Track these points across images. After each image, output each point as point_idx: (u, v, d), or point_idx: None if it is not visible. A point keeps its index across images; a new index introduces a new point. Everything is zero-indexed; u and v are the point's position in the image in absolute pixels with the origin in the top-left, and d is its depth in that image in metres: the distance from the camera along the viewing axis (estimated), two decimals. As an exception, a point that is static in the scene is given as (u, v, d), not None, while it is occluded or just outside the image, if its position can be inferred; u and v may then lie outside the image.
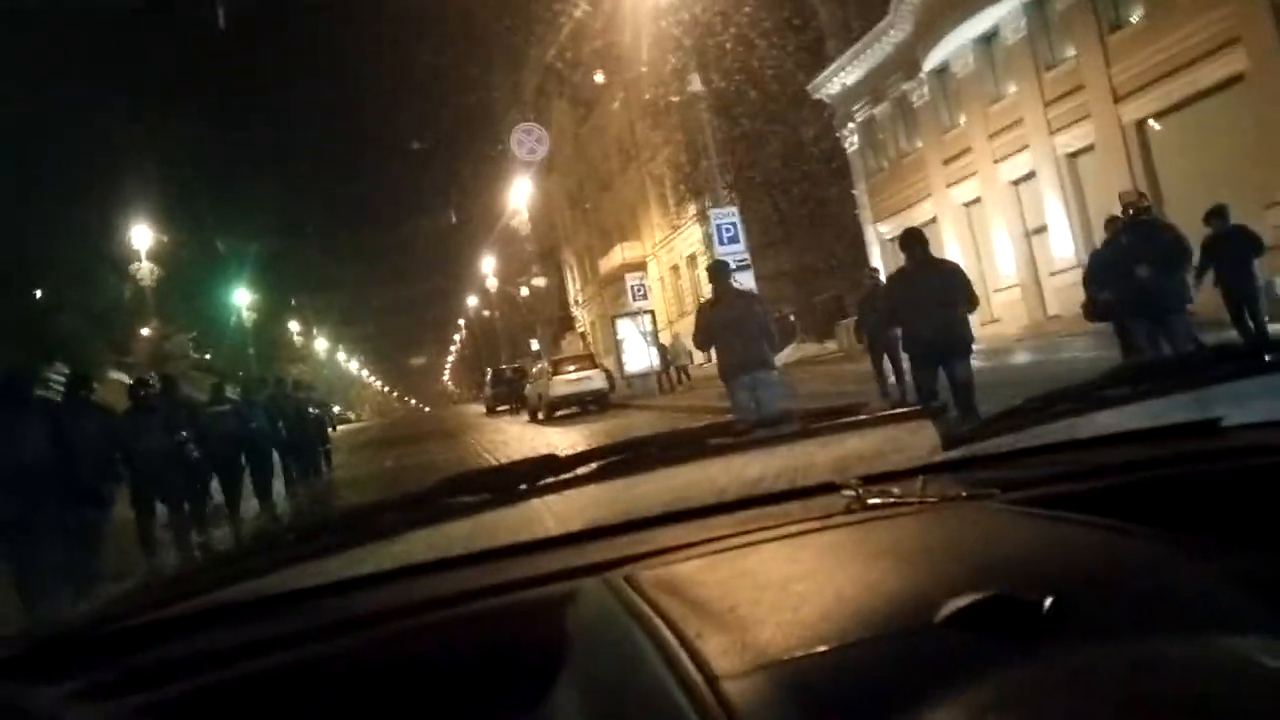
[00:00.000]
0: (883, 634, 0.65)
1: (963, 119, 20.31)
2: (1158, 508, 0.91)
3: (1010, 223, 19.27)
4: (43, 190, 30.07)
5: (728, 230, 14.02)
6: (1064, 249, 17.71)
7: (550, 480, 1.11)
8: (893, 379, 10.76)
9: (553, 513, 1.16)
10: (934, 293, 6.52)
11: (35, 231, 30.01)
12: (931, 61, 20.34)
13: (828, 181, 26.00)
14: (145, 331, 33.93)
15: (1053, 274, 18.23)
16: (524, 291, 58.36)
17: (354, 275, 76.96)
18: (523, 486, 1.10)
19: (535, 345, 57.74)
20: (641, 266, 39.45)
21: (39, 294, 34.89)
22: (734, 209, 14.38)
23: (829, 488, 1.09)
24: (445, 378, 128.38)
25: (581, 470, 1.13)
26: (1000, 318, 19.69)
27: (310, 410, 15.86)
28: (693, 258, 34.86)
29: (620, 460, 1.17)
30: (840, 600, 0.72)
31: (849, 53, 22.87)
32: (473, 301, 70.70)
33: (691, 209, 33.16)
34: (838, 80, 23.87)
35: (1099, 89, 16.49)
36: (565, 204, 50.75)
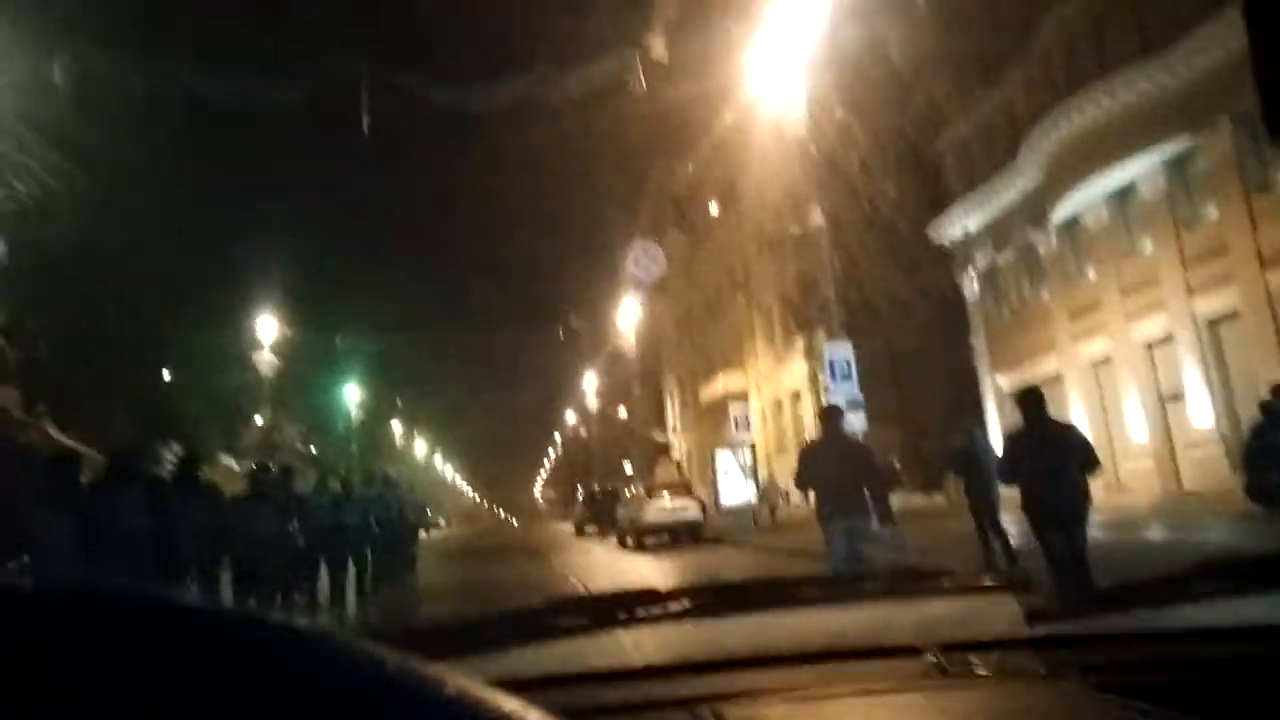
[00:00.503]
0: None
1: (1092, 273, 19.55)
2: (1229, 709, 0.90)
3: (1143, 387, 18.17)
4: (176, 275, 31.89)
5: (841, 367, 13.52)
6: (1202, 419, 16.51)
7: (645, 613, 1.16)
8: (997, 543, 10.16)
9: (644, 644, 1.17)
10: (1054, 454, 6.50)
11: (166, 315, 31.73)
12: (1061, 213, 19.79)
13: (944, 328, 25.31)
14: (258, 420, 35.10)
15: (1189, 446, 16.97)
16: (622, 413, 58.61)
17: (458, 382, 78.95)
18: (621, 615, 1.15)
19: (629, 468, 57.57)
20: (743, 397, 38.94)
21: (166, 376, 36.71)
22: (848, 344, 13.89)
23: (909, 650, 1.09)
24: (535, 491, 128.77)
25: (675, 606, 1.18)
26: (1130, 487, 18.34)
27: (405, 512, 15.62)
28: (796, 394, 34.26)
29: (713, 601, 1.22)
30: None
31: (971, 196, 22.55)
32: (571, 419, 71.28)
33: (799, 343, 32.88)
34: (959, 224, 23.50)
35: (1243, 252, 15.63)
36: (671, 330, 51.14)
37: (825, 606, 1.27)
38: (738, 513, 21.00)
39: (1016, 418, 7.18)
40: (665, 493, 20.66)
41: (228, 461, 32.23)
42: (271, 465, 11.76)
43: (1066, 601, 1.34)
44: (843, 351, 13.69)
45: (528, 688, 1.01)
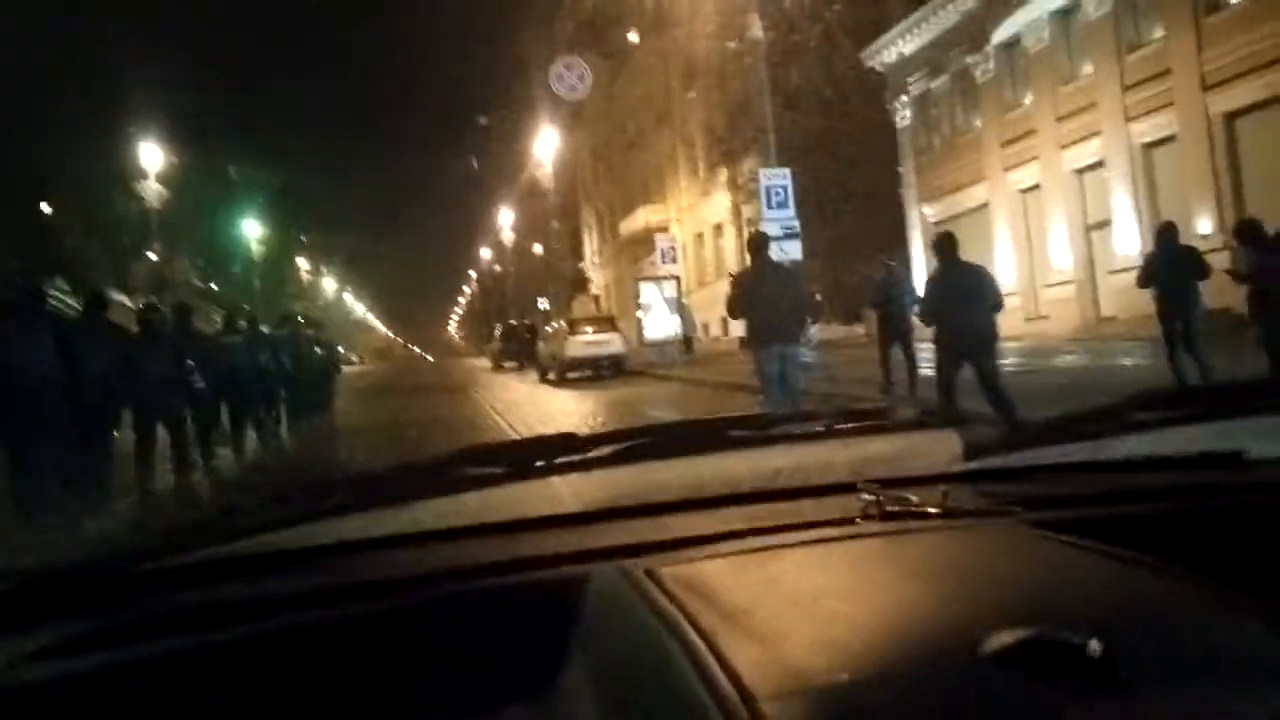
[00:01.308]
0: (924, 664, 0.63)
1: (1029, 98, 18.99)
2: (1179, 539, 0.90)
3: (1070, 214, 18.03)
4: (54, 101, 28.84)
5: (777, 194, 12.80)
6: (1128, 246, 16.46)
7: (568, 459, 1.12)
8: (904, 374, 10.43)
9: (568, 492, 1.13)
10: (964, 293, 6.95)
11: (44, 143, 28.86)
12: (1002, 34, 19.02)
13: (871, 156, 24.65)
14: (151, 256, 32.87)
15: (1111, 272, 17.00)
16: (537, 248, 57.13)
17: (366, 214, 75.73)
18: (540, 463, 1.11)
19: (544, 304, 56.69)
20: (664, 230, 38.17)
21: (46, 209, 33.83)
22: (786, 171, 13.12)
23: (847, 488, 1.07)
24: (450, 328, 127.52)
25: (600, 452, 1.14)
26: (1049, 315, 18.52)
27: (318, 350, 15.56)
28: (718, 227, 33.62)
29: (640, 445, 1.17)
30: (874, 620, 0.71)
31: (910, 19, 21.46)
32: (486, 254, 69.50)
33: (722, 175, 31.93)
34: (894, 49, 22.47)
35: (1187, 76, 15.20)
36: (589, 161, 49.36)
37: (759, 448, 1.23)
38: (663, 346, 20.59)
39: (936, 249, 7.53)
40: (588, 327, 20.06)
41: (119, 298, 30.30)
42: (160, 304, 11.36)
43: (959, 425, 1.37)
44: (779, 178, 12.94)
45: (435, 540, 1.01)
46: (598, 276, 48.99)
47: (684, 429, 1.36)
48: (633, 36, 42.71)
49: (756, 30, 13.33)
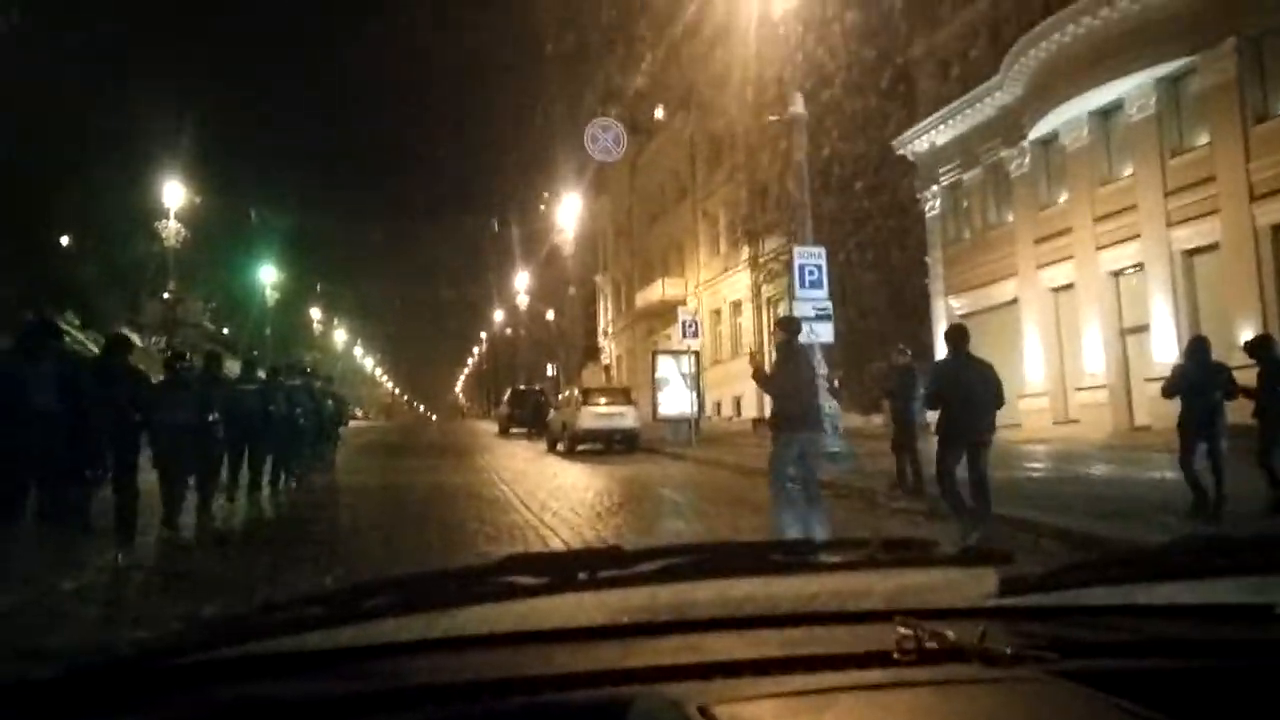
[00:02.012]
0: None
1: (1064, 196, 18.70)
2: (1206, 694, 0.93)
3: (1105, 317, 17.55)
4: (79, 138, 28.97)
5: (811, 273, 12.35)
6: (1165, 353, 15.91)
7: (611, 574, 1.14)
8: (910, 467, 10.06)
9: (610, 605, 1.11)
10: (971, 387, 7.08)
11: (66, 178, 28.90)
12: (1039, 130, 18.80)
13: (898, 245, 24.39)
14: (166, 295, 32.64)
15: (1148, 380, 16.40)
16: (549, 315, 56.97)
17: (383, 270, 75.88)
18: (582, 576, 1.13)
19: (551, 371, 56.27)
20: (683, 303, 37.90)
21: (64, 241, 33.77)
22: (820, 250, 12.70)
23: (883, 616, 1.08)
24: (458, 390, 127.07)
25: (643, 567, 1.16)
26: (1080, 419, 17.91)
27: (328, 403, 15.56)
28: (738, 304, 33.31)
29: (683, 563, 1.19)
30: None
31: (946, 109, 21.36)
32: (499, 317, 69.38)
33: (744, 253, 31.73)
34: (926, 138, 22.35)
35: (1233, 184, 14.87)
36: (610, 231, 49.43)
37: (798, 574, 1.26)
38: (677, 423, 19.99)
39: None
40: (602, 398, 19.50)
41: (131, 335, 30.00)
42: (185, 349, 11.82)
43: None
44: (813, 257, 12.51)
45: (481, 645, 1.02)
46: (610, 346, 48.65)
47: (726, 549, 1.43)
48: (659, 112, 43.24)
49: (799, 106, 13.02)
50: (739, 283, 32.94)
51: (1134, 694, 0.88)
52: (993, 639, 1.01)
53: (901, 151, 23.26)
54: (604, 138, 21.82)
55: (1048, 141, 19.05)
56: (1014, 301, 19.92)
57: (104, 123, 28.73)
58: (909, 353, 11.57)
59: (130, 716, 0.84)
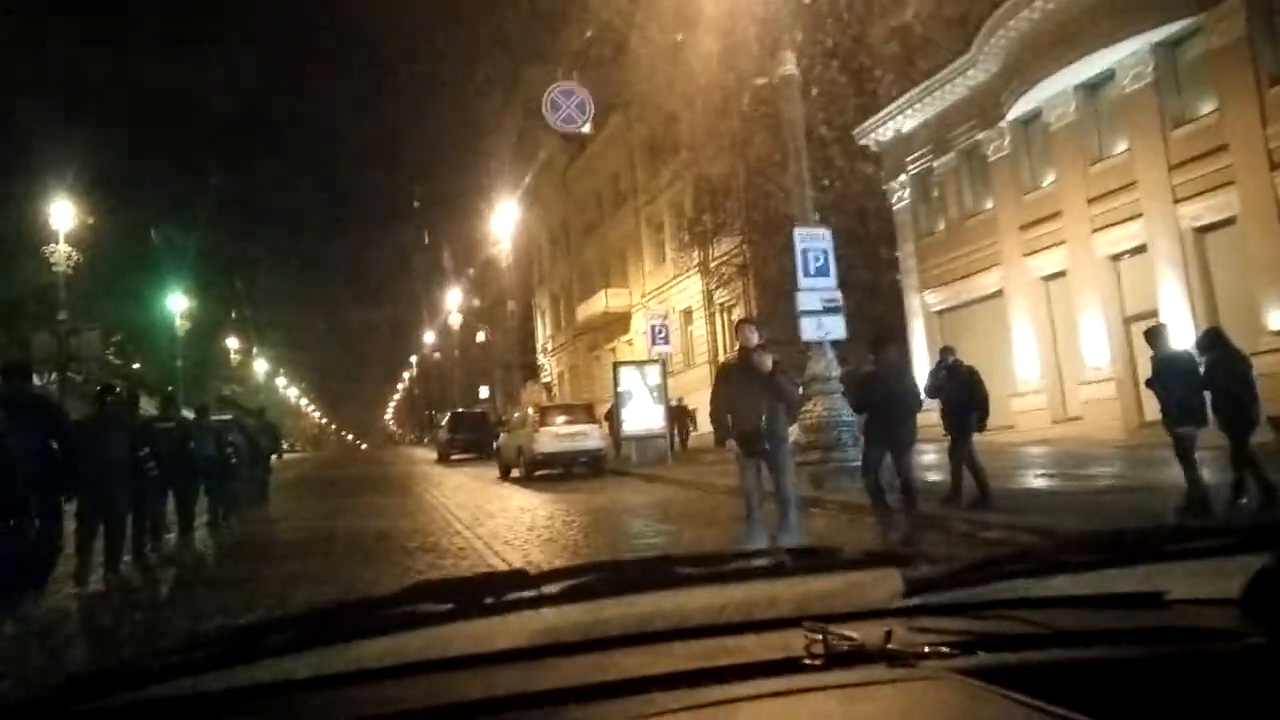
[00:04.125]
0: None
1: (1051, 178, 17.41)
2: (1103, 683, 0.97)
3: (1106, 305, 16.24)
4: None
5: (816, 258, 10.59)
6: (1178, 340, 14.58)
7: (518, 596, 1.13)
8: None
9: (516, 628, 1.09)
10: (896, 392, 7.57)
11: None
12: (1019, 109, 17.50)
13: (863, 240, 22.92)
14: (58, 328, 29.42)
15: (1159, 369, 15.13)
16: (479, 337, 54.54)
17: (304, 293, 72.30)
18: (489, 600, 1.12)
19: (484, 393, 53.82)
20: (626, 318, 36.09)
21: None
22: (825, 230, 10.97)
23: (791, 624, 1.10)
24: (388, 417, 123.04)
25: (550, 588, 1.15)
26: (1082, 416, 16.53)
27: (259, 439, 15.00)
28: (688, 312, 31.57)
29: (591, 581, 1.19)
30: None
31: (911, 93, 19.98)
32: (430, 339, 66.57)
33: (695, 257, 30.02)
34: (891, 125, 20.95)
35: (1249, 153, 13.65)
36: (545, 244, 47.40)
37: (707, 585, 1.25)
38: (645, 441, 18.07)
39: (947, 340, 8.35)
40: (561, 416, 17.49)
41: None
42: (118, 386, 11.43)
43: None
44: (818, 239, 10.76)
45: (383, 677, 1.00)
46: (550, 364, 46.53)
47: (633, 566, 1.40)
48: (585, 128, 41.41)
49: (790, 65, 11.27)
50: (689, 289, 31.24)
51: (1033, 687, 0.91)
52: (898, 639, 1.04)
53: (864, 141, 21.83)
54: (566, 105, 19.71)
55: (1029, 120, 17.78)
56: (999, 293, 18.57)
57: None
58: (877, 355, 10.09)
59: None
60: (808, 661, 1.00)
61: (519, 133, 48.77)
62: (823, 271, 10.63)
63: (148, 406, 13.11)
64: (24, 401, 6.35)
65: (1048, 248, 17.34)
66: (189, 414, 12.68)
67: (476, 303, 53.75)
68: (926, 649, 1.03)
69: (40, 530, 6.05)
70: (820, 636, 1.03)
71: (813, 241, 10.71)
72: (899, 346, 8.87)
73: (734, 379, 6.98)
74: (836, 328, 10.61)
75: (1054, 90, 16.72)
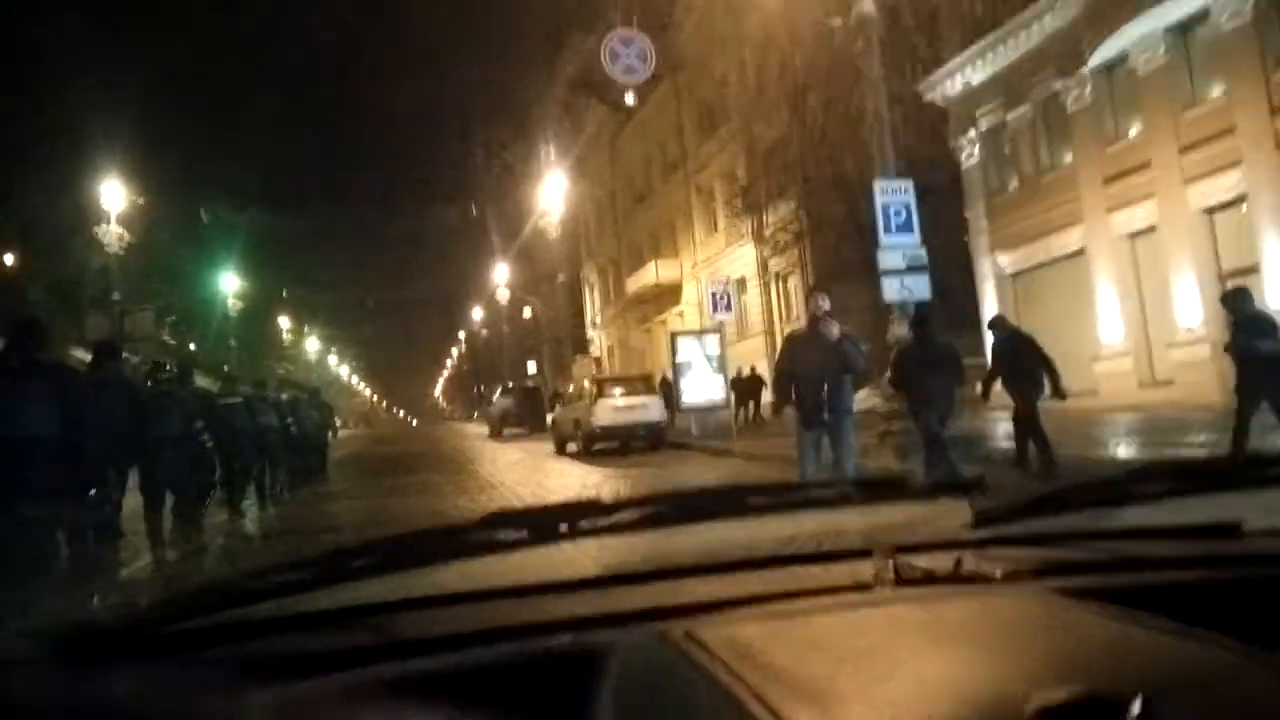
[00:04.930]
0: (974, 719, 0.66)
1: (1137, 128, 16.29)
2: (1181, 607, 0.93)
3: (1200, 262, 15.16)
4: (6, 142, 25.91)
5: (898, 212, 9.82)
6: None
7: (591, 524, 1.14)
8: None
9: (589, 557, 1.14)
10: (934, 365, 7.84)
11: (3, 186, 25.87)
12: (1101, 55, 16.38)
13: (929, 201, 21.85)
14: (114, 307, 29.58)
15: (1261, 329, 14.06)
16: (526, 312, 54.14)
17: (353, 270, 72.55)
18: (563, 528, 1.12)
19: (533, 368, 53.48)
20: (677, 289, 35.38)
21: (8, 259, 30.70)
22: (908, 183, 10.18)
23: (861, 554, 1.11)
24: (437, 393, 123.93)
25: (622, 517, 1.16)
26: (1173, 380, 15.50)
27: (314, 414, 15.53)
28: (741, 281, 30.73)
29: (661, 510, 1.20)
30: (919, 680, 0.73)
31: (980, 43, 18.87)
32: (478, 314, 66.46)
33: (748, 225, 29.15)
34: (959, 78, 19.85)
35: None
36: (592, 215, 46.76)
37: (776, 514, 1.27)
38: (705, 412, 17.41)
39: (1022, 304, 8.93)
40: (619, 389, 16.90)
41: (79, 354, 27.01)
42: (168, 362, 11.58)
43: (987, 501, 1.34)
44: (899, 192, 9.98)
45: (465, 601, 1.03)
46: (599, 337, 46.03)
47: (703, 495, 1.34)
48: (629, 98, 40.41)
49: (868, 3, 10.45)
50: (743, 258, 30.41)
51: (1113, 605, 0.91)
52: (969, 566, 1.03)
53: (930, 97, 20.75)
54: (626, 54, 18.82)
55: (1113, 66, 16.64)
56: (1079, 252, 17.51)
57: (31, 122, 25.65)
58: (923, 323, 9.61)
59: (116, 685, 0.82)
60: (878, 586, 1.00)
61: (563, 105, 48.09)
62: (905, 227, 9.85)
63: (207, 384, 13.45)
64: (110, 381, 6.78)
65: (1134, 202, 16.25)
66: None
67: (524, 277, 53.36)
68: (999, 574, 1.03)
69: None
70: (890, 562, 1.03)
71: (894, 195, 9.92)
72: (939, 321, 8.68)
73: (800, 347, 7.04)
74: (921, 288, 9.85)
75: (1141, 33, 15.59)
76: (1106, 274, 16.95)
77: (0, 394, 5.07)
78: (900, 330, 9.73)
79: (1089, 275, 17.25)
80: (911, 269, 9.77)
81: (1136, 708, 0.61)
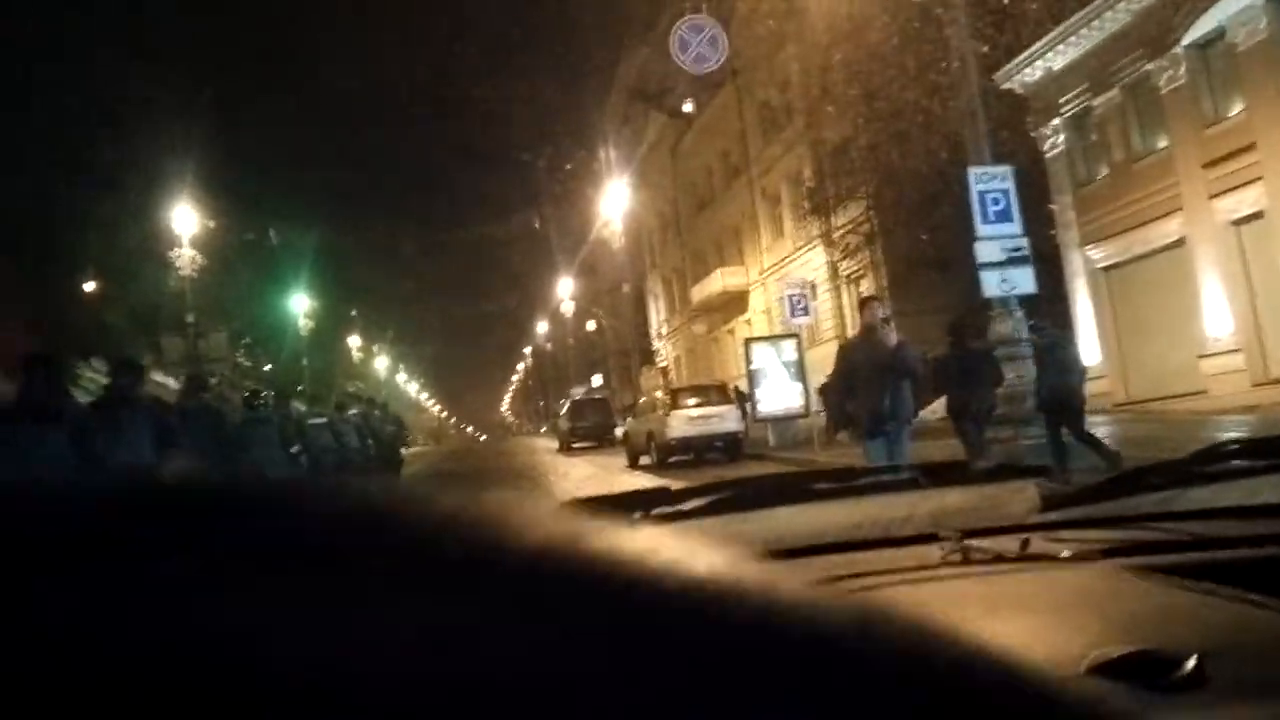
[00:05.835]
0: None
1: (1239, 107, 15.25)
2: (1254, 584, 0.92)
3: (1318, 245, 14.07)
4: (85, 171, 26.54)
5: (995, 200, 9.13)
6: None
7: (660, 511, 1.18)
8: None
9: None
10: (973, 372, 7.86)
11: (70, 215, 26.50)
12: (1197, 31, 15.40)
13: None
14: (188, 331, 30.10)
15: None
16: (590, 325, 53.99)
17: (419, 289, 73.20)
18: (636, 514, 1.16)
19: (597, 380, 53.27)
20: (743, 296, 34.75)
21: (87, 287, 31.50)
22: (1006, 170, 9.48)
23: (928, 538, 1.10)
24: (504, 408, 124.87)
25: (688, 504, 1.20)
26: (1285, 376, 14.41)
27: (389, 429, 16.30)
28: (811, 286, 29.92)
29: (727, 497, 1.23)
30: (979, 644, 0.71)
31: (1062, 27, 17.95)
32: (543, 328, 66.62)
33: (815, 228, 28.41)
34: (1040, 64, 18.93)
35: None
36: (655, 226, 46.43)
37: (841, 500, 1.27)
38: (784, 422, 16.77)
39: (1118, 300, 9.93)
40: (694, 399, 16.36)
41: (160, 378, 27.49)
42: (264, 389, 12.43)
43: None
44: (997, 179, 9.28)
45: None
46: (665, 348, 45.59)
47: (770, 482, 1.46)
48: (687, 106, 39.92)
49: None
50: (811, 263, 29.69)
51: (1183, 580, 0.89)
52: (1036, 548, 1.02)
53: (1007, 85, 19.84)
54: (696, 42, 18.26)
55: (1209, 43, 15.64)
56: (1179, 242, 16.47)
57: (105, 150, 26.23)
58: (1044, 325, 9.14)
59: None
60: (945, 568, 0.99)
61: (623, 115, 47.89)
62: (1004, 216, 9.14)
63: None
64: (203, 412, 7.39)
65: (1239, 186, 15.20)
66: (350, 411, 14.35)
67: (588, 290, 53.24)
68: (1066, 554, 1.01)
69: None
70: (958, 545, 1.03)
71: (991, 182, 9.22)
72: (977, 330, 8.96)
73: (857, 357, 6.99)
74: (1024, 281, 9.13)
75: (1239, 5, 14.59)
76: (1211, 263, 15.88)
77: (101, 426, 5.51)
78: (1004, 328, 9.02)
79: (1191, 266, 16.20)
80: (1013, 260, 9.06)
81: (1190, 665, 0.62)
